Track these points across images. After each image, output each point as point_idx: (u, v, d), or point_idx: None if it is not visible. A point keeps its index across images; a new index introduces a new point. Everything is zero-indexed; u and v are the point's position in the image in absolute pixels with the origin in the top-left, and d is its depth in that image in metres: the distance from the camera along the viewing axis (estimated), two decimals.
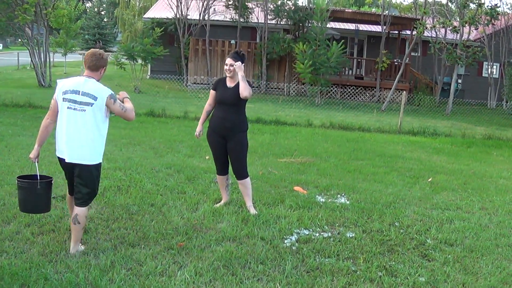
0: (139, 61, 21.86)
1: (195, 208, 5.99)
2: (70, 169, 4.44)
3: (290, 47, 22.48)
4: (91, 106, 4.32)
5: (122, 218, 5.49)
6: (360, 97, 23.34)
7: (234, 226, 5.40)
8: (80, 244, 4.58)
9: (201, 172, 7.63)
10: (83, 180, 4.37)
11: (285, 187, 7.19)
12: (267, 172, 8.10)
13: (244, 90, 5.52)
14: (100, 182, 6.22)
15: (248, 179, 5.90)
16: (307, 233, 5.43)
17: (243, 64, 5.71)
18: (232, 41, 24.12)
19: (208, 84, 23.45)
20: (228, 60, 5.69)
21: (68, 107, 4.33)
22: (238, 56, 5.70)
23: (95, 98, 4.32)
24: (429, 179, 8.44)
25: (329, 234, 5.45)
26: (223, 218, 5.66)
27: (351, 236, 5.42)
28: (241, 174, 5.86)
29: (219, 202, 6.19)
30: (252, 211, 5.90)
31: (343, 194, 7.05)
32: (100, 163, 4.46)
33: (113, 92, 4.45)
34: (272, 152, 9.92)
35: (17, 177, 4.52)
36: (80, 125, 4.30)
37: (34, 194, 4.42)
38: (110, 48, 43.71)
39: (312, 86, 21.22)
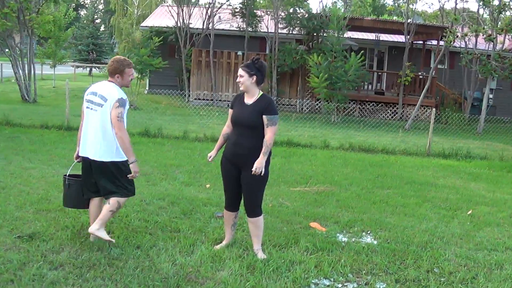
0: (135, 74, 21.47)
1: (191, 250, 5.48)
2: (89, 168, 5.37)
3: (303, 59, 22.29)
4: (101, 107, 5.19)
5: (100, 265, 4.91)
6: (380, 114, 23.09)
7: (237, 276, 4.84)
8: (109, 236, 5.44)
9: (200, 205, 7.24)
10: (101, 175, 5.30)
11: (299, 223, 6.75)
12: (278, 204, 7.71)
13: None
14: (78, 218, 6.01)
15: (261, 218, 5.41)
16: (327, 283, 4.89)
17: (263, 77, 5.27)
18: (239, 53, 23.88)
19: (212, 100, 23.08)
20: (239, 71, 5.30)
21: (87, 107, 5.33)
22: (253, 67, 5.26)
23: (105, 100, 5.18)
24: (469, 212, 8.00)
25: (355, 285, 4.89)
26: (224, 265, 5.10)
27: (382, 287, 4.84)
28: (254, 211, 5.35)
29: (220, 242, 5.70)
30: (260, 255, 5.37)
31: (368, 232, 6.60)
32: (121, 161, 5.27)
33: (124, 98, 5.19)
34: (283, 179, 9.54)
35: (67, 176, 5.56)
36: (93, 123, 5.24)
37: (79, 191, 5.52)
38: (106, 60, 43.49)
39: (328, 102, 21.08)
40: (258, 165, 5.06)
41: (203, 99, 23.39)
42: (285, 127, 17.32)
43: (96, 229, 5.23)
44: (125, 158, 5.27)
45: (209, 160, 5.61)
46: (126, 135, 5.17)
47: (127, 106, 5.26)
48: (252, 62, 5.29)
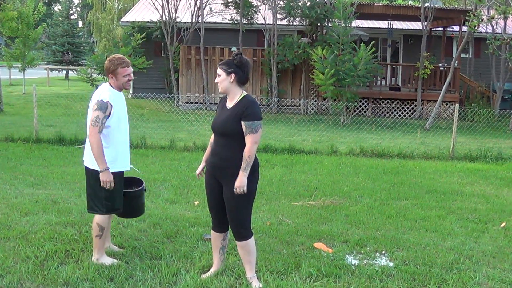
0: None
1: (173, 281, 5.37)
2: None
3: (306, 53, 22.22)
4: (89, 109, 5.61)
5: None
6: (396, 113, 23.07)
7: None
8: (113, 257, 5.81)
9: (186, 225, 7.15)
10: (87, 182, 5.75)
11: (301, 244, 6.65)
12: (277, 222, 7.63)
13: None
14: (41, 247, 6.06)
15: (250, 241, 5.26)
16: None
17: (245, 75, 5.23)
18: (234, 48, 23.86)
19: (205, 103, 22.98)
20: (218, 71, 5.24)
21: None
22: (232, 64, 5.19)
23: (91, 103, 5.56)
24: (502, 224, 7.89)
25: None
26: None
27: None
28: (239, 233, 5.22)
29: (208, 270, 5.58)
30: (255, 284, 5.26)
31: (383, 252, 6.49)
32: (115, 172, 5.58)
33: (104, 101, 5.44)
34: (284, 192, 9.45)
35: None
36: (87, 127, 5.59)
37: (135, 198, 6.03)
38: (84, 61, 43.48)
39: (336, 102, 20.99)
40: (238, 184, 4.99)
41: (195, 103, 23.29)
42: (286, 131, 17.26)
43: (96, 259, 5.66)
44: (114, 170, 5.58)
45: (198, 176, 5.57)
46: (97, 141, 5.40)
47: (111, 110, 5.47)
48: (232, 59, 5.22)
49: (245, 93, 5.21)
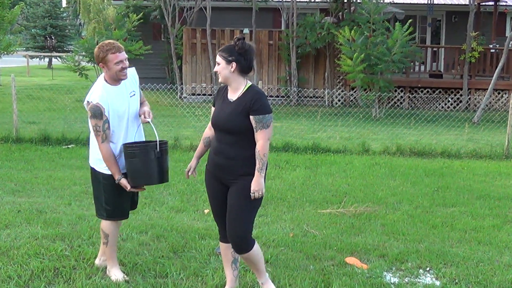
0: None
1: None
2: None
3: (331, 35, 22.25)
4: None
5: None
6: (438, 104, 23.00)
7: None
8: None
9: (195, 238, 7.21)
10: (91, 183, 5.99)
11: (331, 258, 6.68)
12: (302, 233, 7.66)
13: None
14: (26, 265, 6.13)
15: (253, 250, 5.33)
16: None
17: (248, 64, 5.26)
18: (245, 30, 23.86)
19: (212, 95, 22.98)
20: (217, 58, 5.29)
21: None
22: (233, 51, 5.22)
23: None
24: None
25: None
26: None
27: None
28: (239, 245, 5.30)
29: None
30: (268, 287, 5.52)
31: (428, 269, 6.50)
32: (101, 172, 5.74)
33: (94, 103, 5.50)
34: (308, 198, 9.45)
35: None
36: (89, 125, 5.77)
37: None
38: (70, 47, 43.61)
39: (366, 92, 20.96)
40: (255, 187, 5.11)
41: (201, 94, 23.34)
42: (309, 127, 17.30)
43: (108, 270, 5.93)
44: (105, 172, 5.70)
45: (187, 174, 5.68)
46: (104, 152, 5.57)
47: (108, 112, 5.55)
48: (233, 44, 5.26)
49: (249, 83, 5.28)
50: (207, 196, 5.57)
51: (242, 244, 5.24)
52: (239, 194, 5.17)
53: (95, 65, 21.32)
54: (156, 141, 5.58)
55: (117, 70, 5.59)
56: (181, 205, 8.77)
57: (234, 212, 5.22)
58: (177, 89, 22.84)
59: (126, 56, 5.71)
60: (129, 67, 5.78)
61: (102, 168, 5.71)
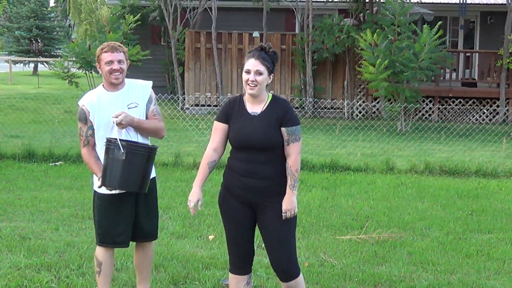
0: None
1: None
2: None
3: (351, 39, 22.24)
4: None
5: None
6: (472, 116, 22.91)
7: None
8: None
9: (199, 267, 7.27)
10: None
11: None
12: (319, 261, 7.68)
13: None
14: None
15: (300, 278, 5.54)
16: None
17: (271, 73, 5.41)
18: (255, 34, 23.95)
19: (218, 106, 23.01)
20: (253, 64, 5.33)
21: None
22: (267, 57, 5.37)
23: None
24: None
25: None
26: None
27: None
28: (290, 270, 5.48)
29: None
30: None
31: None
32: (100, 194, 5.89)
33: (80, 105, 5.77)
34: (326, 222, 9.47)
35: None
36: None
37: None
38: (58, 52, 43.72)
39: (391, 102, 20.89)
40: (290, 206, 5.30)
41: (205, 105, 23.35)
42: (327, 143, 17.26)
43: None
44: (98, 191, 5.87)
45: (193, 209, 5.54)
46: (84, 157, 5.89)
47: (94, 117, 5.75)
48: (269, 53, 5.37)
49: (270, 93, 5.41)
50: (224, 222, 5.62)
51: (293, 269, 5.45)
52: (279, 220, 5.32)
53: (87, 72, 21.38)
54: (148, 144, 5.80)
55: (106, 71, 5.76)
56: (182, 231, 8.79)
57: (281, 237, 5.38)
58: (178, 99, 22.88)
59: (122, 58, 5.80)
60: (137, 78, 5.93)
61: (96, 185, 5.86)
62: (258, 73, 5.26)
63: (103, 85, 5.91)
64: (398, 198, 11.23)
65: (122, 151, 5.50)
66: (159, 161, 13.72)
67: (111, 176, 5.59)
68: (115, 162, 5.55)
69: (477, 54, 26.27)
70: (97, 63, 5.88)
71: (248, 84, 5.28)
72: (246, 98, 5.42)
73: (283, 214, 5.28)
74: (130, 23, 22.62)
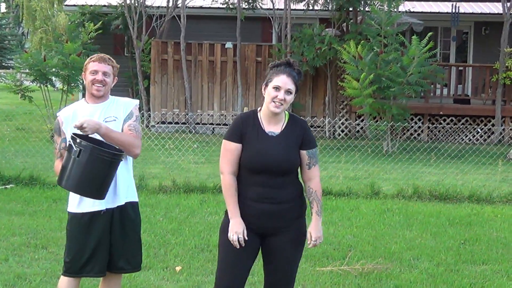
0: (58, 84, 21.39)
1: None
2: None
3: (333, 51, 22.27)
4: None
5: None
6: (465, 136, 23.03)
7: None
8: None
9: None
10: None
11: None
12: None
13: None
14: None
15: None
16: None
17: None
18: (228, 44, 24.02)
19: (186, 123, 22.96)
20: (285, 82, 5.45)
21: None
22: (296, 75, 5.59)
23: None
24: None
25: None
26: None
27: None
28: None
29: None
30: None
31: None
32: (71, 214, 5.96)
33: (57, 117, 5.94)
34: (304, 252, 8.94)
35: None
36: None
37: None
38: (10, 62, 43.54)
39: (376, 121, 20.93)
40: (319, 234, 5.59)
41: (172, 123, 23.32)
42: None
43: None
44: (70, 210, 5.96)
45: (241, 240, 5.43)
46: (57, 165, 5.95)
47: (66, 128, 5.90)
48: (296, 71, 5.54)
49: (286, 111, 5.54)
50: (223, 247, 5.59)
51: None
52: (295, 244, 5.56)
53: (42, 86, 21.26)
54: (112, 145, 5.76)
55: (89, 81, 5.89)
56: (146, 261, 8.60)
57: (289, 265, 5.58)
58: (143, 116, 22.81)
59: (108, 71, 5.92)
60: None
61: (70, 204, 5.95)
62: (289, 92, 5.39)
63: (85, 98, 6.05)
64: (384, 226, 11.24)
65: (74, 148, 5.49)
66: None
67: (69, 177, 5.58)
68: (75, 163, 5.54)
69: (470, 68, 26.43)
70: (83, 73, 5.99)
71: (274, 101, 5.35)
72: (262, 115, 5.48)
73: (312, 241, 5.50)
74: (90, 32, 22.49)
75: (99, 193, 5.67)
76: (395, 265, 8.94)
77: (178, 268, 8.43)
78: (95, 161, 5.50)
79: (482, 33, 27.85)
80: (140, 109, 23.51)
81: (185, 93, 23.56)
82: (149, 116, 23.29)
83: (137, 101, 6.16)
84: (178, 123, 23.20)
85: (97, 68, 5.83)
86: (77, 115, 5.79)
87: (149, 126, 23.09)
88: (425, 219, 11.80)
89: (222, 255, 5.59)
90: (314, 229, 5.47)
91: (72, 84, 21.41)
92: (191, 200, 12.43)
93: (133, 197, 6.05)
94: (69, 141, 5.59)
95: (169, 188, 13.51)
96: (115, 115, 5.89)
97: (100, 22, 24.04)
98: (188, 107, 23.42)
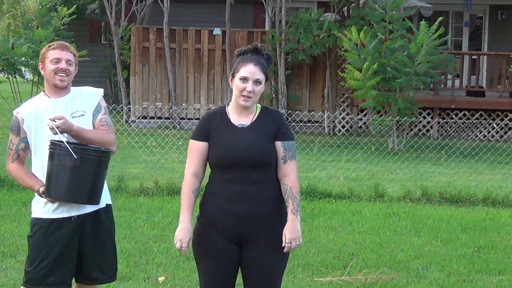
0: (28, 75, 21.36)
1: None
2: None
3: (333, 38, 22.30)
4: None
5: None
6: (479, 132, 23.12)
7: None
8: None
9: None
10: None
11: None
12: None
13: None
14: None
15: None
16: None
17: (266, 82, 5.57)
18: (216, 30, 24.01)
19: (170, 118, 22.96)
20: (252, 71, 5.43)
21: None
22: (264, 62, 5.54)
23: None
24: None
25: None
26: None
27: None
28: None
29: None
30: None
31: None
32: (37, 220, 5.92)
33: (14, 113, 5.88)
34: (302, 260, 9.45)
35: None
36: None
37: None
38: None
39: (381, 115, 21.11)
40: (294, 235, 5.36)
41: (155, 118, 23.37)
42: (303, 164, 17.26)
43: None
44: (35, 215, 5.95)
45: (184, 248, 5.45)
46: (13, 169, 5.94)
47: (31, 128, 5.84)
48: (264, 56, 5.52)
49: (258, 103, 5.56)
50: (202, 264, 5.60)
51: None
52: (276, 252, 5.42)
53: (10, 76, 21.24)
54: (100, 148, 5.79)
55: (51, 70, 5.83)
56: (126, 271, 8.71)
57: (270, 277, 5.50)
58: (122, 110, 22.77)
59: (71, 59, 5.89)
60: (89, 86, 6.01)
61: (35, 209, 5.93)
62: (257, 82, 5.37)
63: (44, 91, 6.00)
64: (389, 232, 11.23)
65: (75, 156, 5.48)
66: None
67: (57, 185, 5.59)
68: (61, 168, 5.55)
69: (485, 56, 26.39)
70: (40, 63, 5.95)
71: (243, 95, 5.35)
72: (231, 109, 5.50)
73: (287, 244, 5.34)
74: (63, 17, 22.44)
75: (91, 198, 5.71)
76: (401, 275, 8.94)
77: (161, 279, 8.41)
78: (83, 163, 5.54)
79: (498, 18, 27.86)
80: (118, 102, 23.74)
81: (169, 84, 23.54)
82: (129, 111, 23.23)
83: (102, 90, 6.16)
84: (161, 118, 23.22)
85: (60, 56, 5.80)
86: (41, 112, 5.76)
87: (129, 121, 23.09)
88: (435, 224, 11.79)
89: (202, 274, 5.61)
90: (289, 230, 5.34)
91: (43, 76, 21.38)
92: (176, 203, 12.34)
93: (107, 199, 6.04)
94: (49, 147, 5.59)
95: (151, 190, 13.51)
96: (82, 109, 5.89)
97: (75, 6, 23.99)
98: (172, 100, 23.40)
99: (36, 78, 21.39)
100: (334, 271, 8.97)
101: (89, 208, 5.82)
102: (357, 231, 11.16)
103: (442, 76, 23.48)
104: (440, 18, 20.64)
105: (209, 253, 5.51)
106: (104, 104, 6.04)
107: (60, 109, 5.76)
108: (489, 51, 26.74)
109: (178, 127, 22.62)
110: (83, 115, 5.85)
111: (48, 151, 5.65)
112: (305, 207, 12.64)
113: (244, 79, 5.33)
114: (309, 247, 10.07)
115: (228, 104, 5.57)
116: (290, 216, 5.35)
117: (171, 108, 23.20)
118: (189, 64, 23.89)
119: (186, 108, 23.34)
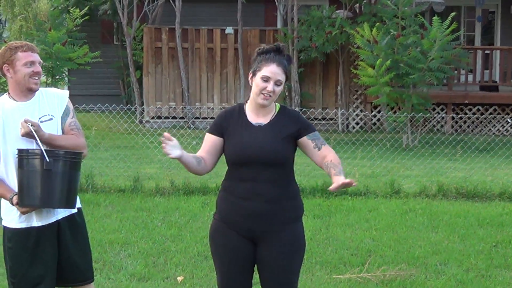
0: (43, 77, 21.33)
1: None
2: None
3: (346, 35, 22.30)
4: None
5: None
6: (494, 126, 23.04)
7: None
8: None
9: None
10: None
11: None
12: None
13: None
14: None
15: None
16: None
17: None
18: (228, 29, 24.03)
19: (184, 118, 22.95)
20: (274, 72, 5.43)
21: None
22: (285, 63, 5.55)
23: None
24: None
25: None
26: None
27: None
28: None
29: None
30: None
31: None
32: (12, 230, 5.75)
33: None
34: (319, 258, 9.46)
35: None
36: None
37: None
38: None
39: (394, 112, 21.08)
40: (347, 180, 5.18)
41: (168, 118, 23.38)
42: None
43: None
44: (10, 225, 5.79)
45: (167, 151, 5.22)
46: None
47: None
48: (280, 51, 5.49)
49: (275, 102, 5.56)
50: (217, 260, 5.64)
51: None
52: (291, 251, 5.42)
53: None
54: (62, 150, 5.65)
55: (26, 74, 5.61)
56: (145, 271, 8.73)
57: (286, 277, 5.48)
58: (136, 110, 22.78)
59: (40, 60, 5.75)
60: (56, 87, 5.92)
61: (9, 219, 5.76)
62: (279, 83, 5.38)
63: (8, 93, 5.79)
64: (406, 228, 11.21)
65: (47, 160, 5.42)
66: (114, 187, 13.71)
67: (30, 192, 5.52)
68: (32, 174, 5.51)
69: (498, 51, 26.39)
70: (5, 65, 5.66)
71: (263, 93, 5.37)
72: (249, 107, 5.53)
73: (354, 184, 5.22)
74: (75, 18, 22.39)
75: (67, 202, 5.64)
76: (420, 271, 8.93)
77: (180, 278, 8.42)
78: (55, 166, 5.50)
79: (510, 12, 27.75)
80: (132, 103, 23.72)
81: (182, 84, 23.55)
82: (143, 111, 23.28)
83: (68, 92, 6.01)
84: (175, 118, 23.23)
85: (34, 58, 5.62)
86: (9, 116, 5.62)
87: (143, 121, 23.09)
88: (452, 219, 11.77)
89: (218, 271, 5.63)
90: (336, 178, 5.23)
91: (57, 77, 21.40)
92: (192, 202, 12.44)
93: (78, 203, 5.93)
94: (17, 155, 5.54)
95: (167, 190, 13.51)
96: (50, 112, 5.77)
97: (87, 8, 23.94)
98: (186, 100, 23.41)
99: (50, 80, 21.32)
100: (353, 268, 8.97)
101: (63, 213, 5.78)
102: (374, 228, 11.16)
103: (455, 72, 23.42)
104: (453, 14, 20.54)
105: (223, 247, 5.55)
106: (71, 106, 5.91)
107: (27, 113, 5.62)
108: (502, 46, 26.65)
109: (192, 126, 22.57)
110: (51, 119, 5.74)
111: (9, 159, 5.66)
112: (321, 204, 12.70)
113: (266, 79, 5.34)
114: (327, 245, 10.08)
115: (246, 102, 5.58)
116: (334, 178, 5.24)
117: (184, 107, 23.16)
118: (202, 63, 23.90)
119: (200, 108, 23.30)
